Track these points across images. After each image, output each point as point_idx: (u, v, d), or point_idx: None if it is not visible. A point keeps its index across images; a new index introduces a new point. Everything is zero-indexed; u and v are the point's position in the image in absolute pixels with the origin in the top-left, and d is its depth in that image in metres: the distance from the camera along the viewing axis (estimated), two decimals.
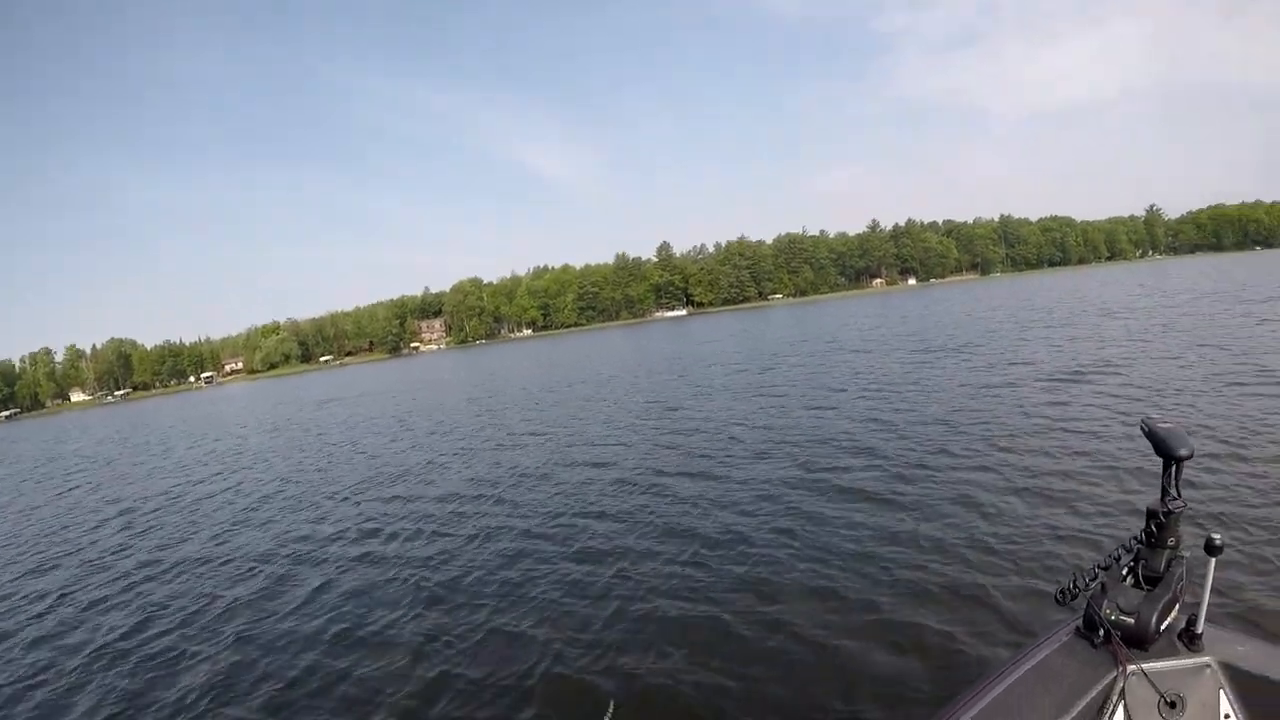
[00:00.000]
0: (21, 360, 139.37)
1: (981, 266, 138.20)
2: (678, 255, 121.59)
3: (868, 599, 4.63)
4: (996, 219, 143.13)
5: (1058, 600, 1.65)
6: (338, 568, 6.94)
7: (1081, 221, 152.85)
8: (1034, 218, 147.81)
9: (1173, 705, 1.44)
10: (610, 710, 1.98)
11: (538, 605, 5.26)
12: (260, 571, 7.23)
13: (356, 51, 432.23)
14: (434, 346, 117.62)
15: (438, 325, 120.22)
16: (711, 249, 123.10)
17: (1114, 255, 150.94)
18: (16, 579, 8.50)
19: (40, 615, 6.94)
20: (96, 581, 7.82)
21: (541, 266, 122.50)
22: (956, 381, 13.14)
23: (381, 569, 6.67)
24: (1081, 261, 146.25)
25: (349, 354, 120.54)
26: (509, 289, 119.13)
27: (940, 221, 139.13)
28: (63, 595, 7.47)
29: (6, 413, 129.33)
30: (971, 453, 7.81)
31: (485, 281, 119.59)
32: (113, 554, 9.03)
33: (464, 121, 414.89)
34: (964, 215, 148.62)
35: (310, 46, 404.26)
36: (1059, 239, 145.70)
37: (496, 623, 5.06)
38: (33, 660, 5.79)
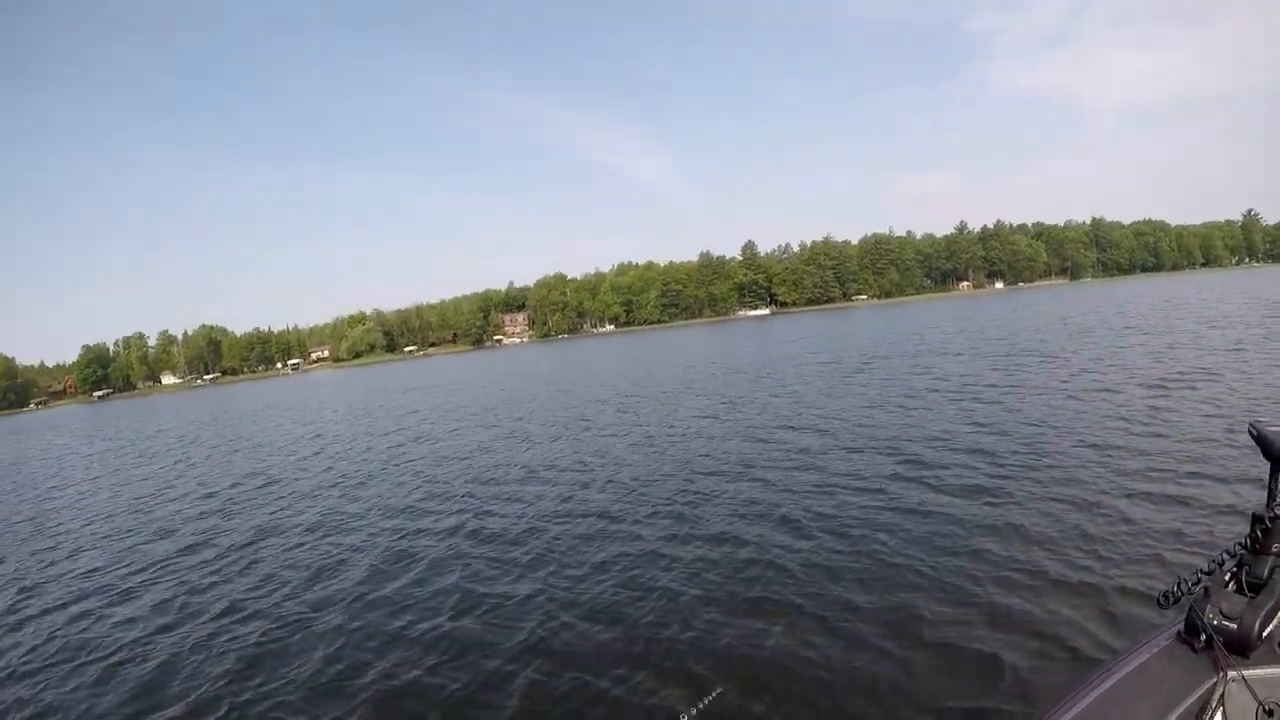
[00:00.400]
0: (116, 344, 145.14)
1: (1071, 271, 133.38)
2: (762, 254, 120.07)
3: (969, 593, 4.67)
4: (1088, 222, 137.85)
5: (1160, 603, 1.61)
6: (448, 548, 7.20)
7: (1176, 226, 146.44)
8: (1126, 221, 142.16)
9: (1270, 714, 1.41)
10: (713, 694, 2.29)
11: (653, 586, 5.47)
12: (377, 545, 7.60)
13: (444, 54, 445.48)
14: (516, 340, 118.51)
15: (521, 319, 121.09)
16: (796, 249, 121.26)
17: (1209, 262, 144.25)
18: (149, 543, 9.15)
19: (170, 576, 7.50)
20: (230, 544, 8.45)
21: (626, 263, 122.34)
22: (1052, 384, 12.98)
23: (496, 546, 6.99)
24: (1175, 268, 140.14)
25: (433, 345, 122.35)
26: (593, 285, 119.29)
27: (1029, 224, 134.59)
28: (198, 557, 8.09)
29: (100, 393, 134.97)
30: (1070, 455, 7.75)
31: (570, 277, 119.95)
32: (248, 522, 9.62)
33: (555, 124, 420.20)
34: (1054, 218, 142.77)
35: (403, 50, 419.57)
36: (1152, 244, 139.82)
37: (608, 598, 5.33)
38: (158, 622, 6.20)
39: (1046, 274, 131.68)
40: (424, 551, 7.14)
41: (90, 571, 8.12)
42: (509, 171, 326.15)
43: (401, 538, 7.75)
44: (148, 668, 5.26)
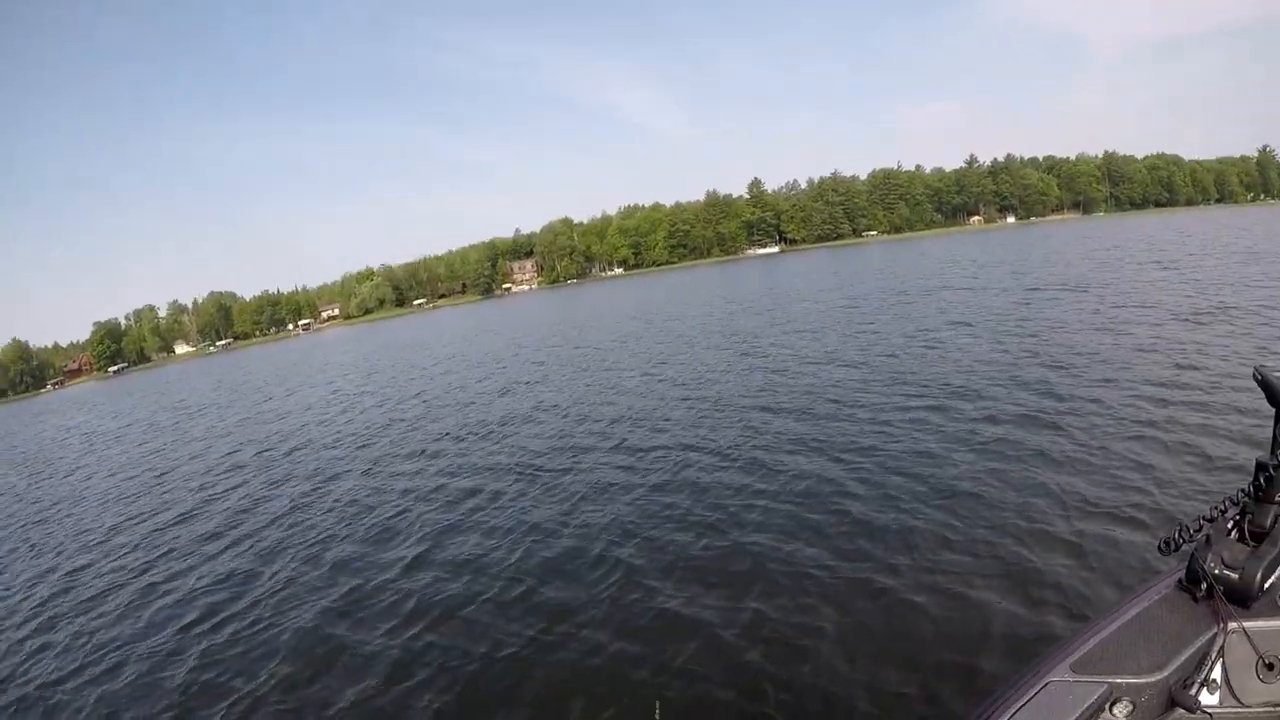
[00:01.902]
0: (127, 317, 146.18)
1: (1084, 205, 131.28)
2: (769, 192, 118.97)
3: (977, 539, 4.69)
4: (1099, 156, 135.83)
5: (1161, 550, 1.59)
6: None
7: (1190, 161, 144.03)
8: (1139, 155, 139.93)
9: (1270, 667, 1.41)
10: None
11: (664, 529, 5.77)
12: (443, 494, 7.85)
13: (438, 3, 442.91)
14: (525, 287, 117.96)
15: (529, 266, 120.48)
16: (804, 186, 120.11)
17: (1223, 198, 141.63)
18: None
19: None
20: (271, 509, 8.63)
21: (632, 205, 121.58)
22: (1065, 322, 12.78)
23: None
24: (1189, 203, 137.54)
25: (442, 296, 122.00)
26: (599, 228, 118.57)
27: (1041, 158, 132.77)
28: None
29: (115, 367, 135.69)
30: (1080, 396, 7.68)
31: (576, 221, 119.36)
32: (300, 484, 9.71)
33: (553, 67, 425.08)
34: (1065, 152, 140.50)
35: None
36: (1165, 178, 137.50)
37: (616, 554, 5.43)
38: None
39: (1059, 209, 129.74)
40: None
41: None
42: (509, 116, 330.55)
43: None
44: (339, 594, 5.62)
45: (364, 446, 11.27)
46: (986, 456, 6.29)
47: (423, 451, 10.09)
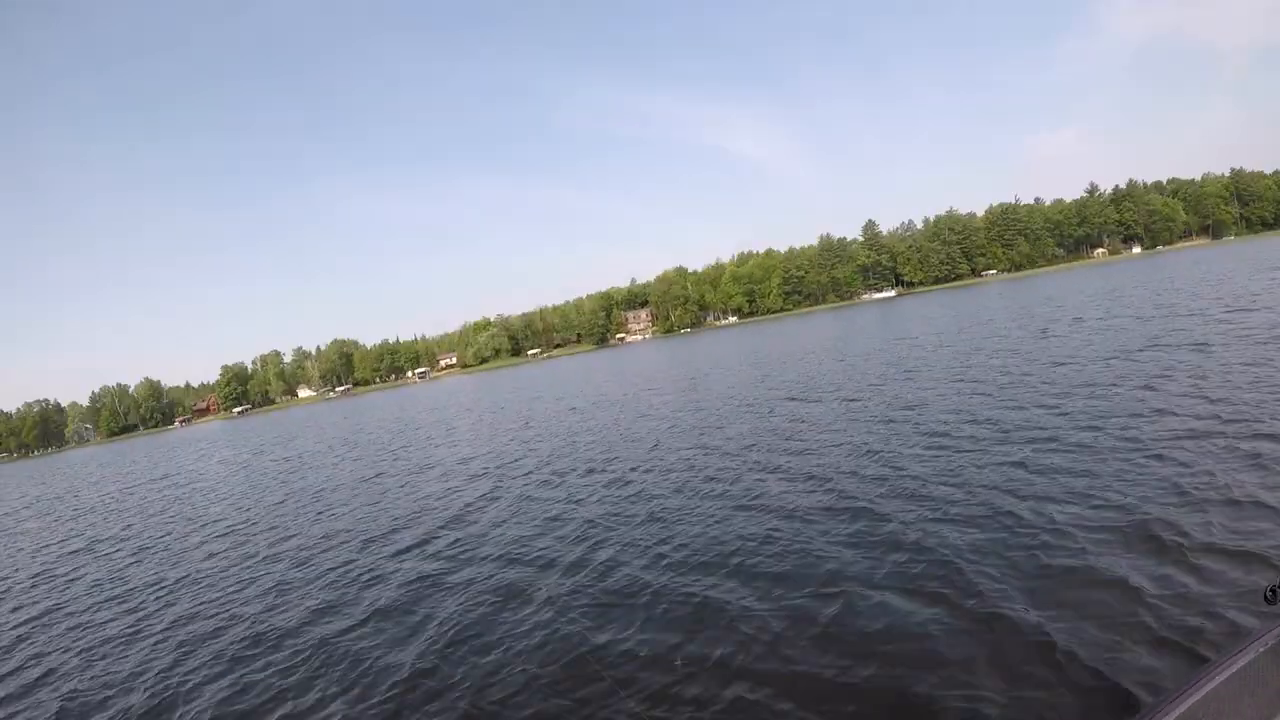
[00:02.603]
0: (253, 362, 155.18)
1: (1212, 229, 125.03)
2: (884, 233, 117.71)
3: (1078, 588, 4.49)
4: (1227, 174, 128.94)
5: (1268, 599, 1.51)
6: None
7: None
8: (1268, 170, 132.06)
9: None
10: None
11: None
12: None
13: (535, 50, 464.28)
14: (639, 336, 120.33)
15: (643, 315, 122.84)
16: (920, 225, 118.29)
17: None
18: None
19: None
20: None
21: (746, 253, 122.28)
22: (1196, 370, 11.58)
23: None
24: None
25: (557, 346, 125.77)
26: (713, 276, 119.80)
27: (1164, 181, 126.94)
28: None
29: (239, 409, 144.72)
30: (1185, 436, 7.29)
31: (690, 270, 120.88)
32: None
33: (666, 113, 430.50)
34: (1190, 173, 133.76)
35: (494, 48, 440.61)
36: None
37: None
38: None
39: (1186, 235, 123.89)
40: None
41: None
42: (624, 164, 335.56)
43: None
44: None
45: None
46: (1027, 471, 6.89)
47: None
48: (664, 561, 6.22)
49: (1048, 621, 4.09)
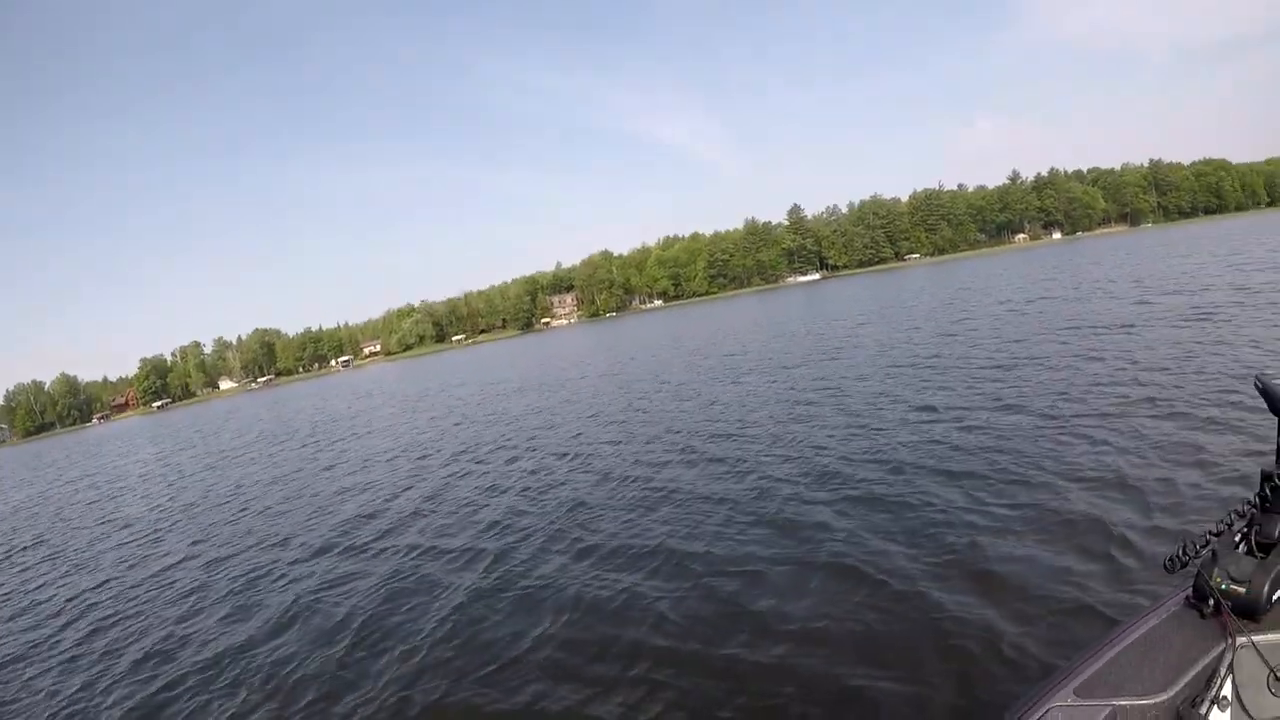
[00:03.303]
0: (173, 354, 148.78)
1: (1131, 217, 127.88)
2: (809, 217, 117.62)
3: (979, 554, 4.60)
4: (1145, 164, 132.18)
5: (1166, 568, 1.57)
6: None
7: (1239, 164, 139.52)
8: (1186, 162, 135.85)
9: None
10: None
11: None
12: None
13: (472, 30, 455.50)
14: (565, 321, 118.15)
15: (569, 300, 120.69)
16: (845, 210, 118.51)
17: (1274, 201, 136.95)
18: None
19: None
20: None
21: (671, 236, 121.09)
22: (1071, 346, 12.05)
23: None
24: (1239, 208, 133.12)
25: (482, 331, 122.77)
26: (639, 260, 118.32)
27: (1085, 170, 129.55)
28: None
29: (159, 403, 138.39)
30: (1087, 409, 7.56)
31: (615, 254, 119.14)
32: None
33: (587, 98, 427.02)
34: (1110, 163, 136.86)
35: (435, 32, 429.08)
36: (1214, 184, 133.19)
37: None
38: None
39: (1105, 222, 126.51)
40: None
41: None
42: (548, 148, 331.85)
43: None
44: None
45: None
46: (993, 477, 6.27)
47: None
48: (583, 547, 6.20)
49: (966, 597, 4.10)
